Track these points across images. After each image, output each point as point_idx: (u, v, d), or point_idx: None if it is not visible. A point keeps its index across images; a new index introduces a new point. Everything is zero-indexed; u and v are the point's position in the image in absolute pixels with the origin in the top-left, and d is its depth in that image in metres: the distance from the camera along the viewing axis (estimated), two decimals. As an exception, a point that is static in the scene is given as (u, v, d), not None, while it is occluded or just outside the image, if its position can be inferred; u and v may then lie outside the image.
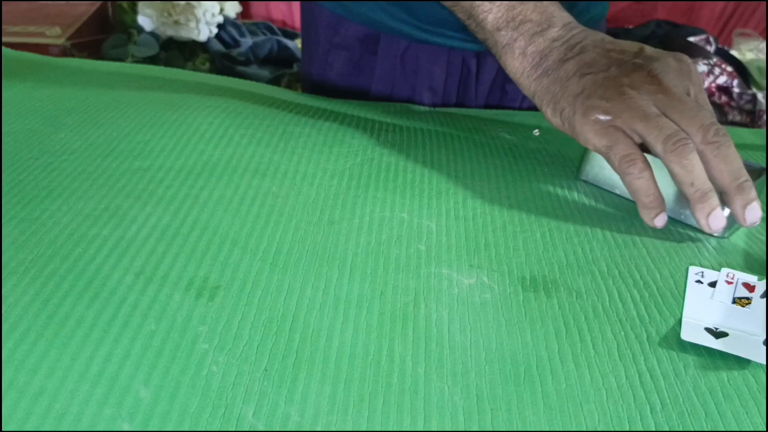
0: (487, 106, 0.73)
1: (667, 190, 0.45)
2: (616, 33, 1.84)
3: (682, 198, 0.45)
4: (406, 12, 0.64)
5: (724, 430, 0.29)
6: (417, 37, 0.66)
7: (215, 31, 1.77)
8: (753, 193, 0.41)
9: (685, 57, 0.45)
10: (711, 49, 1.71)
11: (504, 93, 0.72)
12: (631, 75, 0.43)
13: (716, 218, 0.41)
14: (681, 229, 0.45)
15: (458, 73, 0.69)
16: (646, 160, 0.42)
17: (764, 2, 1.82)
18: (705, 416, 0.30)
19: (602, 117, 0.43)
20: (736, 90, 1.60)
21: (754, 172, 0.45)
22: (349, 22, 0.68)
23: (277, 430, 0.27)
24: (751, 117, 1.60)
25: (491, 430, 0.28)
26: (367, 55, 0.70)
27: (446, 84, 0.69)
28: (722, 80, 1.60)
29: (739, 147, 0.60)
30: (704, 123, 0.41)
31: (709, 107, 0.46)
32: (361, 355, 0.31)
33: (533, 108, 0.72)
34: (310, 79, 0.76)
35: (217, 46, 1.76)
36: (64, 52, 1.59)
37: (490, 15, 0.48)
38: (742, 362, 0.33)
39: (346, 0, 0.67)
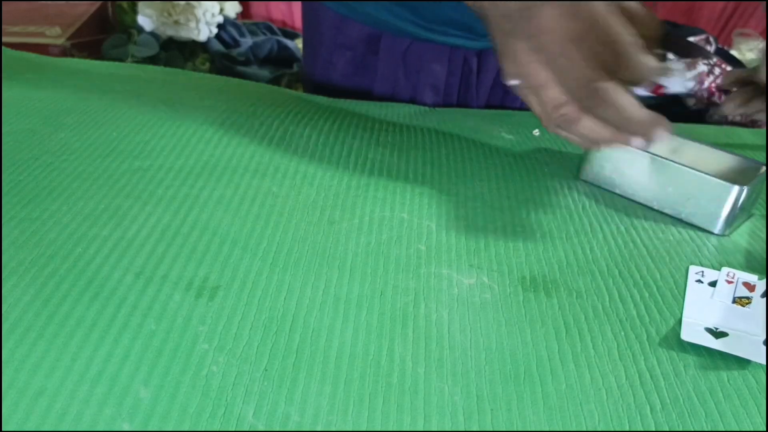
0: (488, 106, 0.73)
1: (665, 188, 0.45)
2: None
3: (682, 197, 0.45)
4: (411, 11, 0.64)
5: (724, 430, 0.29)
6: (420, 35, 0.66)
7: (215, 31, 1.77)
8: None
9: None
10: (711, 49, 1.71)
11: (506, 92, 0.72)
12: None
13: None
14: (681, 229, 0.45)
15: (460, 71, 0.69)
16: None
17: (764, 2, 1.83)
18: (705, 416, 0.30)
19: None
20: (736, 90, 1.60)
21: (754, 168, 0.45)
22: (353, 22, 0.68)
23: (277, 430, 0.27)
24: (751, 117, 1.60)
25: (491, 430, 0.28)
26: (369, 55, 0.70)
27: (448, 82, 0.69)
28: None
29: (739, 147, 0.60)
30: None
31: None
32: (361, 355, 0.31)
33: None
34: (312, 79, 0.76)
35: (217, 46, 1.76)
36: (64, 52, 1.59)
37: None
38: (742, 362, 0.33)
39: (350, 0, 0.67)
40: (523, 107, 0.73)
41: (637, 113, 0.37)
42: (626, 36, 0.36)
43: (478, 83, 0.71)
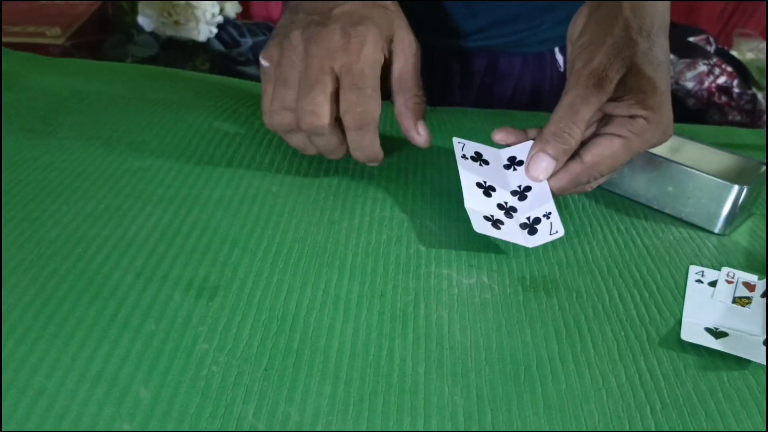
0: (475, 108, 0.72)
1: (665, 188, 0.45)
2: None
3: (682, 196, 0.45)
4: None
5: (724, 430, 0.29)
6: None
7: (215, 31, 1.77)
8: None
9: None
10: (711, 49, 1.71)
11: (493, 96, 0.72)
12: None
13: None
14: (681, 228, 0.45)
15: (439, 72, 0.68)
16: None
17: (764, 2, 1.82)
18: (705, 416, 0.30)
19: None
20: (736, 90, 1.60)
21: (754, 168, 0.45)
22: None
23: (277, 430, 0.27)
24: (751, 117, 1.60)
25: (491, 430, 0.28)
26: None
27: (430, 83, 0.69)
28: (722, 80, 1.60)
29: (739, 147, 0.60)
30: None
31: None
32: (361, 355, 0.31)
33: (524, 109, 0.72)
34: None
35: (217, 46, 1.76)
36: (64, 52, 1.59)
37: None
38: (742, 362, 0.33)
39: None
40: (511, 108, 0.73)
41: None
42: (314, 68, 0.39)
43: (462, 85, 0.70)
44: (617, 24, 0.39)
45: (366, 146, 0.42)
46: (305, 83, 0.40)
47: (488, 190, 0.40)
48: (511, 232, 0.39)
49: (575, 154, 0.39)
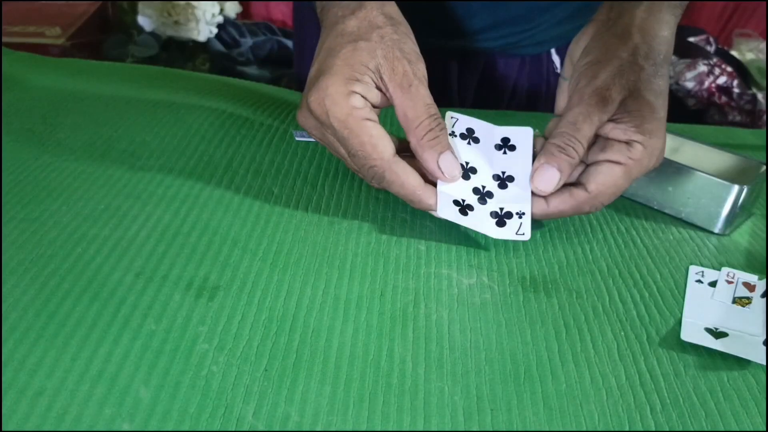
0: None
1: (666, 188, 0.45)
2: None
3: (682, 196, 0.45)
4: None
5: (724, 430, 0.29)
6: None
7: (215, 31, 1.77)
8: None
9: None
10: (711, 49, 1.71)
11: (491, 97, 0.72)
12: None
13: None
14: (681, 228, 0.45)
15: (437, 73, 0.68)
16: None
17: (764, 2, 1.82)
18: (705, 416, 0.30)
19: None
20: (736, 90, 1.60)
21: (754, 168, 0.45)
22: None
23: (277, 430, 0.27)
24: (751, 117, 1.60)
25: (491, 430, 0.28)
26: None
27: (428, 84, 0.69)
28: (722, 80, 1.60)
29: (739, 147, 0.60)
30: None
31: None
32: (361, 355, 0.31)
33: (522, 109, 0.72)
34: (300, 80, 0.76)
35: (217, 46, 1.76)
36: (64, 52, 1.59)
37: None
38: (742, 362, 0.33)
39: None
40: (510, 109, 0.73)
41: (411, 197, 0.39)
42: (349, 145, 0.38)
43: (460, 86, 0.70)
44: (626, 48, 0.39)
45: (402, 186, 0.39)
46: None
47: (468, 172, 0.39)
48: (477, 220, 0.38)
49: (579, 183, 0.39)
